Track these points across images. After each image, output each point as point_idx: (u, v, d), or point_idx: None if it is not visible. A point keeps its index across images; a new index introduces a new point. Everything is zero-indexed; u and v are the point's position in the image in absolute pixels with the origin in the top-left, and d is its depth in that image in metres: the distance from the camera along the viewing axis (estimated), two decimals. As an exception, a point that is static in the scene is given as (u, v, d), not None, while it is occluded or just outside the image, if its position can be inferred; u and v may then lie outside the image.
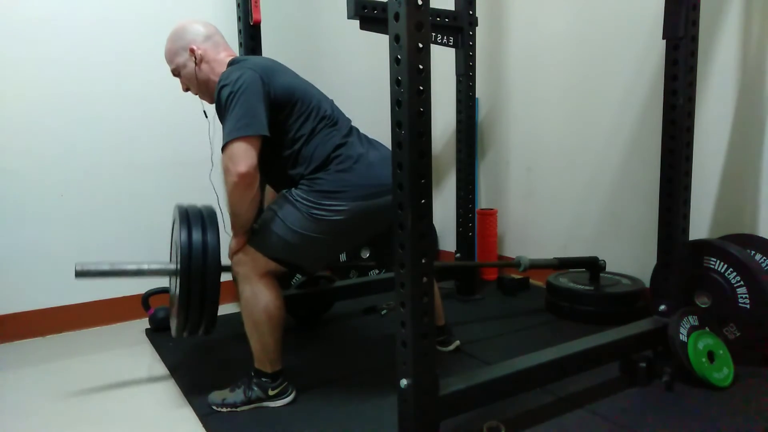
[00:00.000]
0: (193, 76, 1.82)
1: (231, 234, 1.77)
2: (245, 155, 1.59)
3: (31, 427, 1.76)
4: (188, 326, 1.81)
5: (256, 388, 1.76)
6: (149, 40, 2.63)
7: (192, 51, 1.79)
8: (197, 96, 1.89)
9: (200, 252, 1.74)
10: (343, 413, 1.73)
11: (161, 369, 2.14)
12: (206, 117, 1.94)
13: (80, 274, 1.77)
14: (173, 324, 1.87)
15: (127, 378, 2.08)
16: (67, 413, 1.84)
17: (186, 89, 1.88)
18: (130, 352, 2.33)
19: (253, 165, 1.60)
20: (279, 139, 1.71)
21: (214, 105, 1.76)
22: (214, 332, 1.88)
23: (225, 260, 1.81)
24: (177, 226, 1.81)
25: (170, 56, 1.83)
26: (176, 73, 1.85)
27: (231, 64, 1.78)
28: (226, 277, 1.84)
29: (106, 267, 1.81)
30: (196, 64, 1.80)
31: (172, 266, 1.85)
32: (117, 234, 2.68)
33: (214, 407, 1.77)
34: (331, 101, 1.87)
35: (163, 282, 2.70)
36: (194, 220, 1.80)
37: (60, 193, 2.55)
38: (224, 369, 2.07)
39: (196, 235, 1.76)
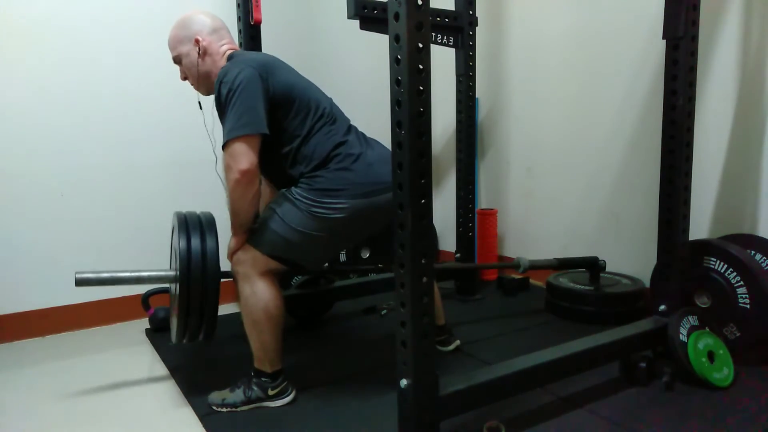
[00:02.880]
0: (194, 67, 1.81)
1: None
2: (246, 153, 1.61)
3: (31, 427, 1.76)
4: (188, 333, 1.81)
5: (255, 388, 1.76)
6: (149, 39, 2.63)
7: (197, 42, 1.79)
8: (193, 86, 1.88)
9: (199, 259, 1.75)
10: (343, 413, 1.73)
11: (161, 369, 2.14)
12: (201, 108, 1.94)
13: (80, 282, 1.79)
14: (173, 330, 1.88)
15: (127, 378, 2.08)
16: (67, 413, 1.84)
17: (184, 78, 1.88)
18: (130, 352, 2.33)
19: (255, 162, 1.62)
20: (277, 136, 1.71)
21: (210, 96, 1.76)
22: (213, 336, 1.88)
23: (225, 266, 1.81)
24: (176, 233, 1.82)
25: (174, 43, 1.82)
26: (177, 60, 1.84)
27: (230, 58, 1.78)
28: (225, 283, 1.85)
29: (105, 275, 1.82)
30: (199, 55, 1.79)
31: (172, 273, 1.85)
32: (117, 234, 2.68)
33: (214, 407, 1.77)
34: (330, 99, 1.87)
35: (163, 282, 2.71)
36: (193, 226, 1.80)
37: (60, 193, 2.55)
38: (224, 369, 2.07)
39: (195, 242, 1.77)
